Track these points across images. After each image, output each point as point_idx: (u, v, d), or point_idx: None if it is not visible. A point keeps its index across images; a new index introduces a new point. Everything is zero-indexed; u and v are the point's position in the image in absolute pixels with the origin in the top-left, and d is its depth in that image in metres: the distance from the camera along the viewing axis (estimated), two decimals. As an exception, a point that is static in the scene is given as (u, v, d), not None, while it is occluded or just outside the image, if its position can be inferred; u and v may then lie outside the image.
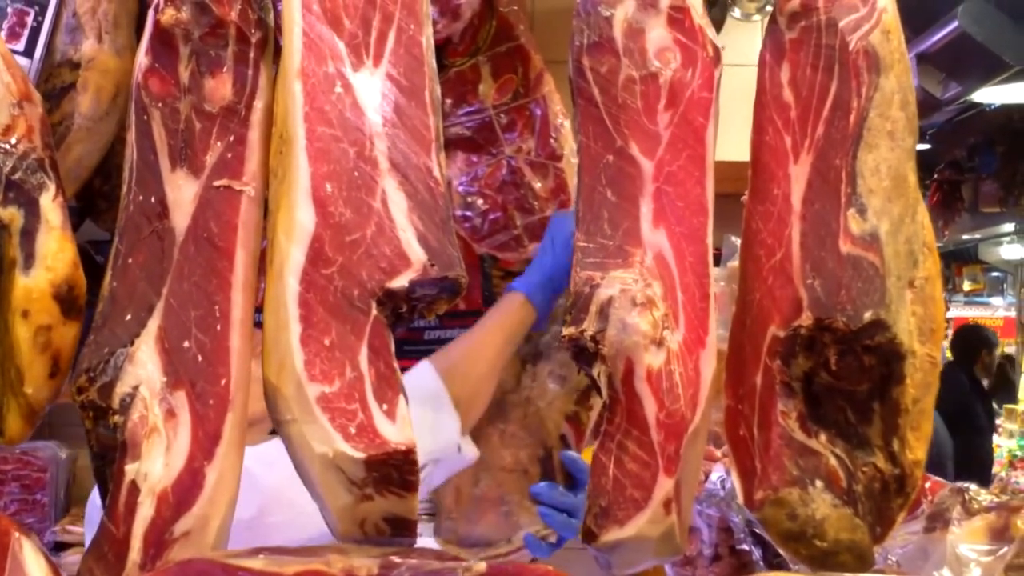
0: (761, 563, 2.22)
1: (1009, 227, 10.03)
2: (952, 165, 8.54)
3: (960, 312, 13.71)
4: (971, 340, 8.80)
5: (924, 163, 8.37)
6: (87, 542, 1.67)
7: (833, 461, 1.38)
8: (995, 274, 14.20)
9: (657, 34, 1.45)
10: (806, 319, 1.37)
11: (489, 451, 2.02)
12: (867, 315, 1.35)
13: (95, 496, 2.33)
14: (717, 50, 1.46)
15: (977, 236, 11.10)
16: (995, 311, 14.15)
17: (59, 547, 3.36)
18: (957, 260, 13.63)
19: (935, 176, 8.69)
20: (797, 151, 1.43)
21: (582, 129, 1.44)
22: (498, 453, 2.02)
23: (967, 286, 14.06)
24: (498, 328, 2.08)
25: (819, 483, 1.36)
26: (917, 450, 1.38)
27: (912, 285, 1.38)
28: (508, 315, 2.09)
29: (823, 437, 1.39)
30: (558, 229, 2.12)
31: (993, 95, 5.77)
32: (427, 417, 1.93)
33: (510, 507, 2.05)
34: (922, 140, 7.74)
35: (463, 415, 2.03)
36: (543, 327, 2.15)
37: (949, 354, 8.85)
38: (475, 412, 2.08)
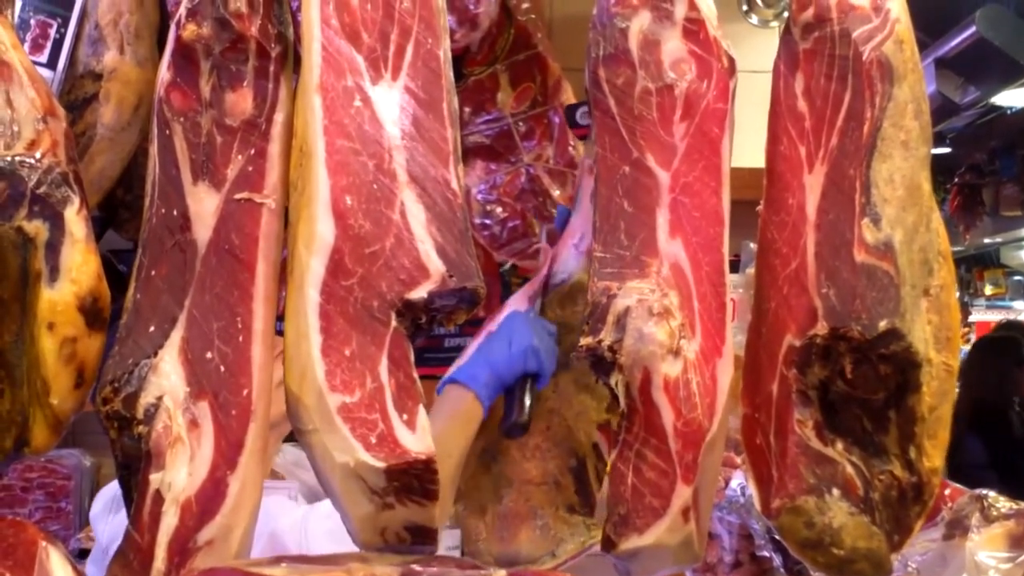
0: (781, 570, 2.22)
1: (1030, 230, 9.96)
2: (973, 169, 8.49)
3: (982, 316, 13.60)
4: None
5: (945, 167, 8.33)
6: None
7: (850, 469, 1.38)
8: (1017, 278, 14.10)
9: (672, 46, 1.46)
10: (821, 328, 1.38)
11: (510, 466, 2.00)
12: (882, 324, 1.35)
13: (97, 500, 2.37)
14: (732, 61, 1.47)
15: (998, 240, 11.04)
16: (1018, 315, 14.04)
17: (83, 554, 3.36)
18: (978, 264, 13.54)
19: (956, 180, 8.65)
20: (811, 161, 1.44)
21: (599, 140, 1.45)
22: (520, 467, 1.99)
23: (989, 290, 13.95)
24: (457, 431, 1.91)
25: (836, 491, 1.36)
26: (934, 458, 1.39)
27: (927, 293, 1.38)
28: (462, 415, 1.92)
29: (839, 445, 1.39)
30: (517, 328, 1.90)
31: (1013, 99, 5.76)
32: None
33: (546, 521, 2.02)
34: (942, 144, 7.71)
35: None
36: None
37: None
38: (444, 513, 1.86)
